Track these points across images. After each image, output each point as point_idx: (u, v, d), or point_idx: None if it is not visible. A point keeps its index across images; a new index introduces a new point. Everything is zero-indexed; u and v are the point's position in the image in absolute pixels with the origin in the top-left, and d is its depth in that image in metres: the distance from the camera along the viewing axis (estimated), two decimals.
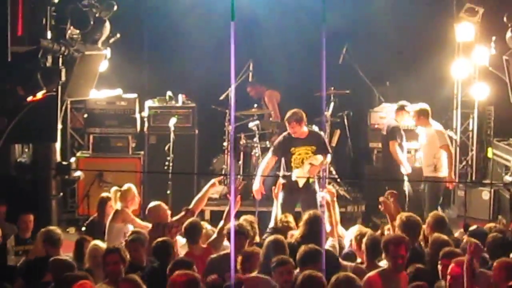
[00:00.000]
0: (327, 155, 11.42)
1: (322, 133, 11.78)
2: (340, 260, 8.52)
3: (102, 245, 8.92)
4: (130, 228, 10.23)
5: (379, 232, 9.70)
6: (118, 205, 10.56)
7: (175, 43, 14.85)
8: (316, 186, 11.23)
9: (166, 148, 12.90)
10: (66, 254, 9.28)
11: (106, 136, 13.82)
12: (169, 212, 10.08)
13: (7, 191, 10.84)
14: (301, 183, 11.06)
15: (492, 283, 7.27)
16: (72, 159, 12.95)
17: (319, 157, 11.17)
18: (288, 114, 11.36)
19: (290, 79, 14.66)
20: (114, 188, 10.90)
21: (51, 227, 9.60)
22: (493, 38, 12.60)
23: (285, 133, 11.44)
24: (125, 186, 10.74)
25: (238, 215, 9.60)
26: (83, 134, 14.38)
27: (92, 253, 8.65)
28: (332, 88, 14.04)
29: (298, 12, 14.40)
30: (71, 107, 14.35)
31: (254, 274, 7.62)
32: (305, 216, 9.13)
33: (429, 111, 12.55)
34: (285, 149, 11.31)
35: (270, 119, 14.48)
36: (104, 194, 11.16)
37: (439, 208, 12.25)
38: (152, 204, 10.18)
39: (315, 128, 12.07)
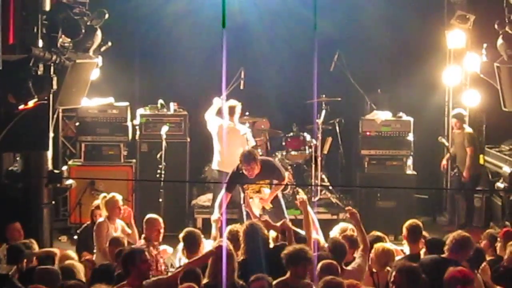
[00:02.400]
0: (284, 178, 11.21)
1: (271, 160, 11.63)
2: None
3: None
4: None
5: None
6: (104, 213, 10.55)
7: (166, 51, 14.86)
8: (279, 193, 11.24)
9: (158, 156, 12.90)
10: None
11: (97, 144, 13.79)
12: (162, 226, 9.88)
13: None
14: (259, 210, 10.95)
15: None
16: (64, 168, 12.94)
17: (267, 191, 11.00)
18: (244, 154, 10.84)
19: (281, 86, 14.68)
20: (103, 194, 10.89)
21: None
22: (484, 45, 12.57)
23: (235, 171, 10.99)
24: (109, 195, 10.67)
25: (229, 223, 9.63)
26: (75, 142, 14.38)
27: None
28: (324, 96, 14.06)
29: (290, 20, 14.44)
30: (63, 115, 14.36)
31: None
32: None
33: (234, 108, 12.81)
34: (239, 186, 11.16)
35: (262, 126, 14.49)
36: (97, 202, 11.16)
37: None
38: (149, 216, 10.01)
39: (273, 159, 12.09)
